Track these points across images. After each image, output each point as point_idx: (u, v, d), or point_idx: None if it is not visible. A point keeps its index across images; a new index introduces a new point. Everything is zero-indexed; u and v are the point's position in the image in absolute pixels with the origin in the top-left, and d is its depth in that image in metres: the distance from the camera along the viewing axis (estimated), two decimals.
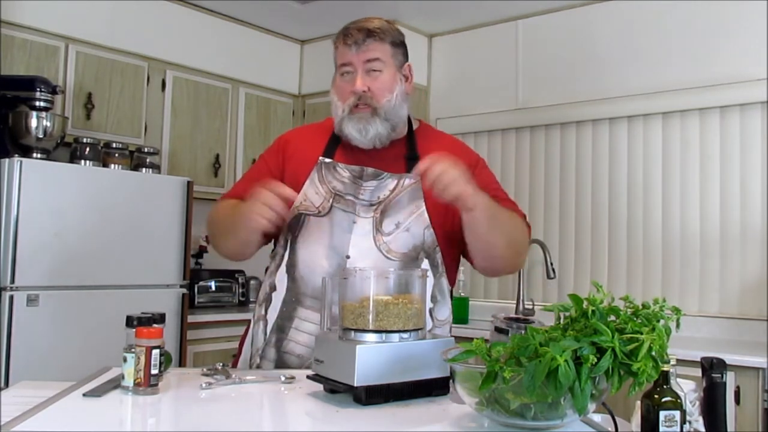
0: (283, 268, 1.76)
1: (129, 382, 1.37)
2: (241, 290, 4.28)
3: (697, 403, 1.42)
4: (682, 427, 1.26)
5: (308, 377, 1.44)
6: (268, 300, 1.79)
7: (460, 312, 3.84)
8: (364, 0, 3.86)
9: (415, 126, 1.88)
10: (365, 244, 1.69)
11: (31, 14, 3.34)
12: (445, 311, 1.80)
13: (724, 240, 3.28)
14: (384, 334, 1.37)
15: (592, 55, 3.74)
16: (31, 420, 1.17)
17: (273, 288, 1.78)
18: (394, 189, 1.73)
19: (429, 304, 1.73)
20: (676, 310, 1.18)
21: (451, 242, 1.77)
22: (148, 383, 1.37)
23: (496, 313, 1.63)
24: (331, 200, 1.73)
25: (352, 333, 1.38)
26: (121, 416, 1.31)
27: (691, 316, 3.22)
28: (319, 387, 1.41)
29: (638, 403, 1.32)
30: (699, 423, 1.40)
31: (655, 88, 3.49)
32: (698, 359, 1.47)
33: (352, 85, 1.75)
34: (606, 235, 3.62)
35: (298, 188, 1.74)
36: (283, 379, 1.54)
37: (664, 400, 1.26)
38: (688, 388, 1.41)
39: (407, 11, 4.03)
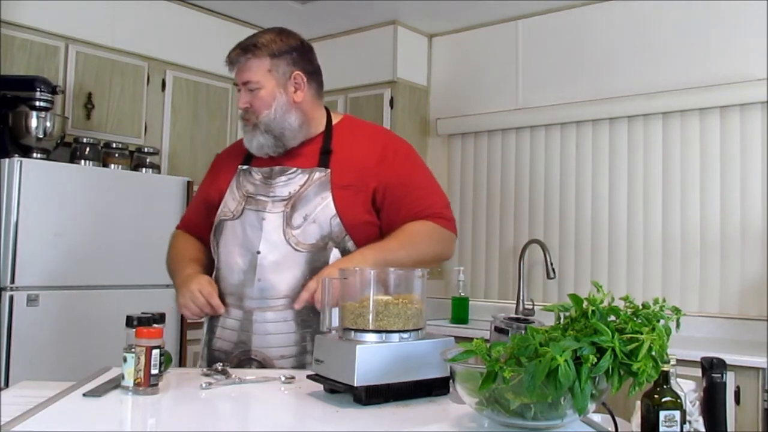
0: (214, 273, 1.90)
1: (129, 382, 1.37)
2: None
3: (697, 403, 1.42)
4: (682, 427, 1.27)
5: (308, 377, 1.44)
6: None
7: (460, 312, 3.84)
8: (364, 0, 3.87)
9: (335, 120, 1.95)
10: (275, 238, 1.77)
11: (31, 14, 3.33)
12: None
13: (724, 240, 3.27)
14: (384, 334, 1.37)
15: (592, 55, 3.74)
16: (31, 420, 1.17)
17: None
18: (305, 183, 1.81)
19: None
20: (676, 310, 1.18)
21: (360, 227, 1.81)
22: (148, 383, 1.37)
23: (496, 313, 1.63)
24: (243, 203, 1.84)
25: (352, 333, 1.38)
26: (121, 416, 1.31)
27: (691, 316, 3.22)
28: (319, 387, 1.41)
29: (638, 403, 1.32)
30: (699, 423, 1.40)
31: (655, 88, 3.49)
32: (698, 359, 1.47)
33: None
34: (606, 235, 3.62)
35: (222, 198, 1.91)
36: (283, 379, 1.54)
37: (664, 400, 1.26)
38: (688, 388, 1.41)
39: (407, 11, 4.03)
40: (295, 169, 1.84)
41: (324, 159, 1.84)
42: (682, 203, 3.39)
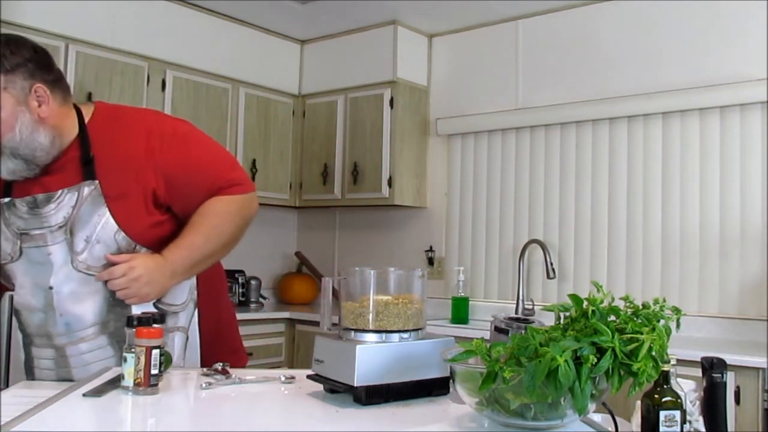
0: (11, 318, 1.74)
1: (129, 382, 1.37)
2: (241, 290, 4.29)
3: (697, 403, 1.42)
4: (682, 427, 1.27)
5: (308, 377, 1.44)
6: (15, 342, 1.75)
7: (460, 312, 3.84)
8: (364, 0, 3.87)
9: (87, 117, 1.74)
10: (65, 269, 1.66)
11: (31, 14, 3.33)
12: (181, 295, 1.79)
13: (723, 240, 3.27)
14: (384, 334, 1.37)
15: (592, 55, 3.74)
16: (31, 420, 1.17)
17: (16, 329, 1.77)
18: (76, 203, 1.66)
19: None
20: (676, 310, 1.18)
21: (147, 233, 1.72)
22: (148, 383, 1.37)
23: (496, 313, 1.63)
24: (18, 242, 1.68)
25: (352, 333, 1.38)
26: (121, 416, 1.31)
27: (690, 316, 3.22)
28: (319, 387, 1.41)
29: (638, 403, 1.32)
30: (699, 423, 1.40)
31: (655, 88, 3.48)
32: (698, 359, 1.47)
33: None
34: (606, 235, 3.61)
35: None
36: (283, 379, 1.54)
37: (664, 400, 1.26)
38: (688, 388, 1.41)
39: (407, 11, 4.03)
40: (60, 191, 1.66)
41: (88, 171, 1.67)
42: (681, 203, 3.39)
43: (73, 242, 1.65)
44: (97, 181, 1.67)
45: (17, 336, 1.75)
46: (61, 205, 1.66)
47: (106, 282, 1.66)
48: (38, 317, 1.68)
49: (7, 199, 1.70)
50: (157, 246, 1.73)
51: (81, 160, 1.69)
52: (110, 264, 1.66)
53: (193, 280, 1.82)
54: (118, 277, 1.64)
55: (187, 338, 1.81)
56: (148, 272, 1.66)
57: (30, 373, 1.73)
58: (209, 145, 1.86)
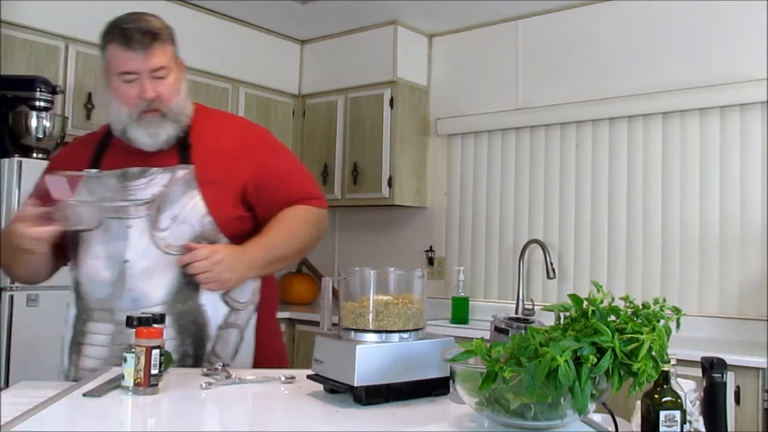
0: (72, 286, 1.78)
1: (129, 382, 1.37)
2: None
3: (697, 403, 1.42)
4: (682, 427, 1.27)
5: (308, 377, 1.44)
6: (65, 320, 1.80)
7: (460, 312, 3.84)
8: (364, 0, 3.87)
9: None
10: (142, 244, 1.68)
11: (31, 14, 3.33)
12: (245, 294, 1.80)
13: (723, 240, 3.27)
14: (384, 334, 1.37)
15: (592, 55, 3.74)
16: (31, 420, 1.17)
17: (67, 306, 1.81)
18: (168, 183, 1.70)
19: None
20: (676, 310, 1.18)
21: (232, 224, 1.76)
22: (148, 383, 1.37)
23: (496, 313, 1.63)
24: (100, 211, 1.70)
25: (352, 333, 1.38)
26: (121, 416, 1.31)
27: (690, 316, 3.22)
28: (319, 387, 1.41)
29: (638, 403, 1.32)
30: (699, 423, 1.40)
31: (655, 88, 3.48)
32: (698, 359, 1.47)
33: (138, 91, 1.69)
34: (606, 235, 3.62)
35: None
36: (283, 379, 1.54)
37: (664, 400, 1.26)
38: (688, 388, 1.41)
39: (407, 11, 4.03)
40: (155, 169, 1.72)
41: (184, 155, 1.74)
42: (681, 203, 3.39)
43: (158, 219, 1.68)
44: (192, 166, 1.72)
45: (69, 312, 1.77)
46: (153, 183, 1.70)
47: (184, 266, 1.66)
48: (105, 290, 1.69)
49: (93, 170, 1.74)
50: (237, 240, 1.75)
51: (178, 146, 1.75)
52: (188, 250, 1.66)
53: (258, 283, 1.83)
54: (200, 259, 1.64)
55: (242, 339, 1.81)
56: (230, 258, 1.67)
57: (76, 352, 1.74)
58: (294, 157, 1.97)
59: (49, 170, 1.81)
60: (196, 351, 1.71)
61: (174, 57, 1.75)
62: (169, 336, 1.67)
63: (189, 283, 1.69)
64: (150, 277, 1.68)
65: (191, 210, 1.70)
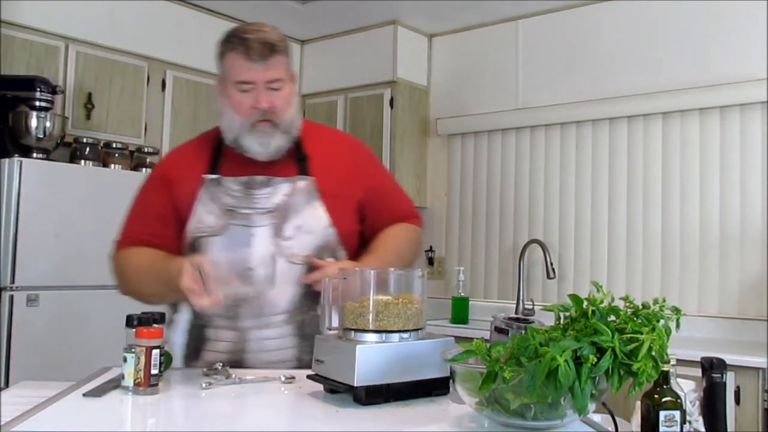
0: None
1: (129, 382, 1.37)
2: None
3: (697, 403, 1.42)
4: (682, 427, 1.27)
5: (308, 377, 1.44)
6: (172, 323, 1.76)
7: (460, 312, 3.84)
8: (364, 0, 3.87)
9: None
10: (266, 252, 1.68)
11: (31, 14, 3.33)
12: None
13: (723, 240, 3.27)
14: (384, 334, 1.37)
15: (592, 55, 3.74)
16: (31, 420, 1.17)
17: (174, 310, 1.77)
18: (290, 193, 1.73)
19: None
20: (676, 310, 1.18)
21: (351, 236, 1.79)
22: (148, 383, 1.37)
23: (496, 313, 1.63)
24: (225, 218, 1.71)
25: (352, 333, 1.38)
26: (121, 416, 1.31)
27: (690, 316, 3.22)
28: (319, 387, 1.41)
29: (638, 403, 1.32)
30: (699, 423, 1.40)
31: (655, 88, 3.48)
32: (698, 359, 1.47)
33: (252, 101, 1.70)
34: (606, 235, 3.62)
35: (190, 211, 1.73)
36: (283, 379, 1.54)
37: (664, 400, 1.26)
38: (688, 388, 1.41)
39: (407, 11, 4.03)
40: (278, 178, 1.74)
41: (302, 167, 1.76)
42: (681, 203, 3.39)
43: (282, 228, 1.69)
44: (312, 177, 1.74)
45: (181, 316, 1.74)
46: (276, 191, 1.72)
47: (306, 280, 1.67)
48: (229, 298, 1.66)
49: (215, 176, 1.75)
50: (351, 254, 1.77)
51: (294, 157, 1.77)
52: (310, 265, 1.67)
53: None
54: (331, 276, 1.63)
55: None
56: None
57: (193, 357, 1.71)
58: (393, 177, 2.01)
59: (163, 169, 1.85)
60: None
61: (288, 69, 1.75)
62: (291, 345, 1.69)
63: (309, 293, 1.69)
64: (274, 286, 1.68)
65: (315, 221, 1.72)
